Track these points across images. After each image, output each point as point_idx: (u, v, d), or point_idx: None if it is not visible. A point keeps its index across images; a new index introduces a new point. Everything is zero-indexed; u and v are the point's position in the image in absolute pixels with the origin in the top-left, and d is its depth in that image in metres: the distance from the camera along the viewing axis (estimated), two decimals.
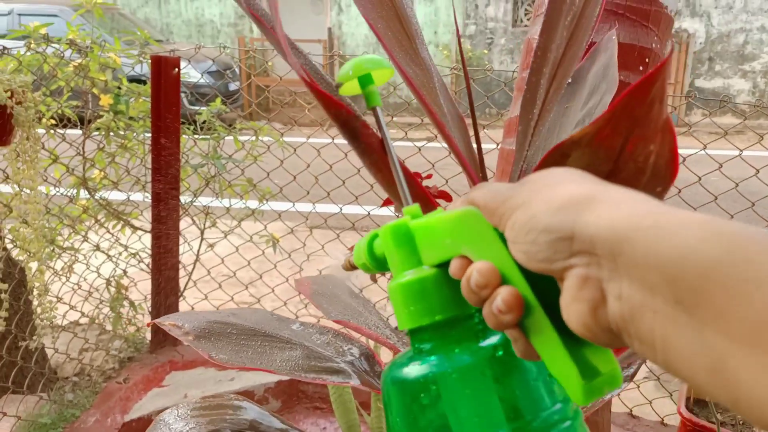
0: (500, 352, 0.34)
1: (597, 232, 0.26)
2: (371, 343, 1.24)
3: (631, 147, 0.34)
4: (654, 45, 1.06)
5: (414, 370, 0.35)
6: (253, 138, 1.91)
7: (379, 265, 0.38)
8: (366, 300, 0.73)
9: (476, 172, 0.56)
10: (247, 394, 1.72)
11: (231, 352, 0.53)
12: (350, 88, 0.40)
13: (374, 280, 1.83)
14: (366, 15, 0.57)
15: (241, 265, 2.09)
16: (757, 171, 1.59)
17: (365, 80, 0.40)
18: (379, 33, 0.56)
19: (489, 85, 6.98)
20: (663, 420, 1.63)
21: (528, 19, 8.60)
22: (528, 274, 0.30)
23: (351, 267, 0.41)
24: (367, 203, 1.94)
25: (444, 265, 0.34)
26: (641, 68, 1.07)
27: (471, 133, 0.67)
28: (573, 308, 0.27)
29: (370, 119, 0.44)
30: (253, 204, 1.97)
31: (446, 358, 0.35)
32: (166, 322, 0.57)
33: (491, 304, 0.30)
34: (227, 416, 0.49)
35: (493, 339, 0.35)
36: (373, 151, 0.39)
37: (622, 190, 0.27)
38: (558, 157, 0.36)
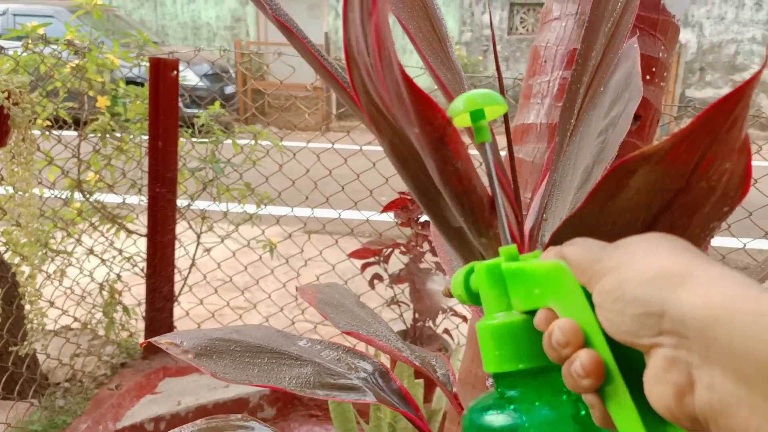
0: (583, 412, 0.33)
1: (690, 312, 0.24)
2: (371, 350, 1.22)
3: (707, 165, 0.32)
4: (661, 54, 1.05)
5: (492, 417, 0.35)
6: (252, 142, 1.89)
7: (473, 298, 0.38)
8: (372, 310, 0.71)
9: (506, 179, 0.55)
10: (242, 401, 1.70)
11: (236, 370, 0.51)
12: (458, 122, 0.40)
13: (372, 287, 1.81)
14: (398, 14, 0.55)
15: (238, 270, 2.07)
16: (755, 181, 1.59)
17: (477, 115, 0.39)
18: (412, 34, 0.54)
19: None
20: None
21: (523, 27, 8.64)
22: (613, 340, 0.28)
23: (449, 294, 0.41)
24: (366, 209, 1.93)
25: (534, 313, 0.33)
26: (648, 77, 1.06)
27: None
28: (656, 390, 0.25)
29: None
30: (250, 208, 1.95)
31: (524, 409, 0.34)
32: (162, 340, 0.55)
33: (570, 365, 0.29)
34: None
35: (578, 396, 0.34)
36: (459, 158, 0.37)
37: (720, 268, 0.26)
38: (623, 173, 0.33)
